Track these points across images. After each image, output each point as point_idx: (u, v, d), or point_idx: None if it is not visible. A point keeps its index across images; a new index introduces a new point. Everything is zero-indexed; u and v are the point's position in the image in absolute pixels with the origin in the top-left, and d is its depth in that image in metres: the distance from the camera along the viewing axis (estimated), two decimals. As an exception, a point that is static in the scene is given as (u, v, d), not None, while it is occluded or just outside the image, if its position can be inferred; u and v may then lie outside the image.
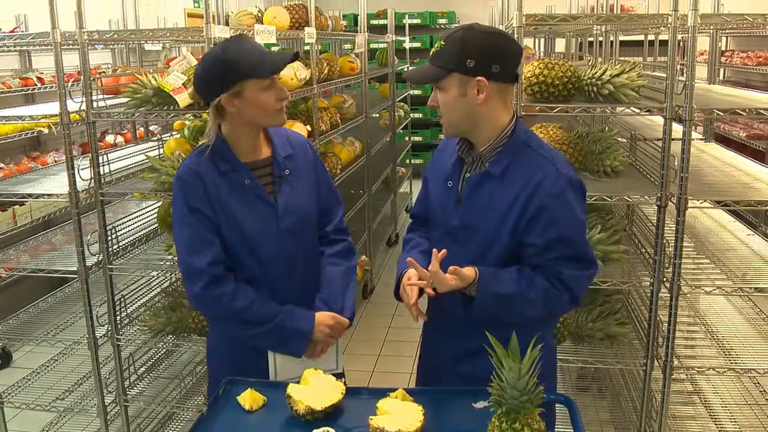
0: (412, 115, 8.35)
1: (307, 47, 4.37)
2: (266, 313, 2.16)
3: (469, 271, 1.90)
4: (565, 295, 1.96)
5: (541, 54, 6.53)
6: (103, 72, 5.26)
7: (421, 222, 2.27)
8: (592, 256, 2.02)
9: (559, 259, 1.95)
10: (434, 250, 1.91)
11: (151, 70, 3.38)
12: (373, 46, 7.63)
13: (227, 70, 2.06)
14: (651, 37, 6.05)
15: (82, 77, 3.03)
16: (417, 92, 9.34)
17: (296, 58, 2.23)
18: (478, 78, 1.87)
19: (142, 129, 5.12)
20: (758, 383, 3.34)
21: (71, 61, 3.41)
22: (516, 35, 2.72)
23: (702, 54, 6.92)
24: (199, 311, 2.92)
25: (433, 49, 1.94)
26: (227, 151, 2.18)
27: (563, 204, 1.92)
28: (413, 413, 1.79)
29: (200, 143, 2.31)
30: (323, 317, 2.22)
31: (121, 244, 3.32)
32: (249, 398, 1.92)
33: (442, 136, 2.18)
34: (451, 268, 1.88)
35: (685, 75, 2.60)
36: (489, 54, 1.87)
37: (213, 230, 2.15)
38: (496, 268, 1.96)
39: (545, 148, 2.02)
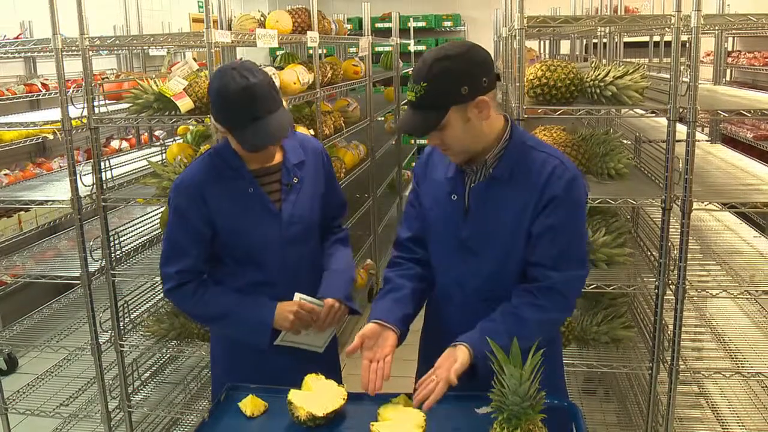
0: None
1: (310, 51, 4.37)
2: (223, 307, 2.20)
3: (464, 356, 1.83)
4: (555, 312, 1.95)
5: (546, 56, 6.51)
6: (106, 78, 5.28)
7: (412, 246, 2.15)
8: (585, 255, 1.99)
9: (553, 256, 1.90)
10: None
11: (154, 76, 3.38)
12: (378, 49, 7.63)
13: (217, 110, 2.08)
14: (656, 38, 6.03)
15: (83, 83, 3.03)
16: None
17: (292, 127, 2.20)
18: (479, 99, 1.81)
19: (146, 134, 5.13)
20: (766, 387, 3.30)
21: (76, 67, 3.42)
22: (518, 37, 2.71)
23: (708, 55, 6.89)
24: None
25: (414, 95, 1.83)
26: (234, 157, 2.18)
27: (568, 196, 1.89)
28: (415, 419, 1.78)
29: (206, 147, 2.31)
30: (285, 306, 2.18)
31: (124, 249, 3.31)
32: (250, 404, 1.92)
33: None
34: (453, 370, 1.79)
35: (688, 76, 2.58)
36: (474, 72, 1.80)
37: (194, 239, 2.18)
38: (481, 327, 1.89)
39: (544, 146, 1.99)
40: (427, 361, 2.15)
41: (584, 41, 6.38)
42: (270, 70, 3.46)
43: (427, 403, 1.76)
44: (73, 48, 3.01)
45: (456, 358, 1.82)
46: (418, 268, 2.13)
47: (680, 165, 2.65)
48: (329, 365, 2.35)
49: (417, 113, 1.86)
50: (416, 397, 1.79)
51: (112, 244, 3.20)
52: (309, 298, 2.20)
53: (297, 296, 2.18)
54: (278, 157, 2.25)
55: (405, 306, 2.05)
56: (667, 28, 3.66)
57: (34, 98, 5.02)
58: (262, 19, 3.96)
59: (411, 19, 9.30)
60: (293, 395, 1.86)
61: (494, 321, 1.91)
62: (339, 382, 2.01)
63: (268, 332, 2.18)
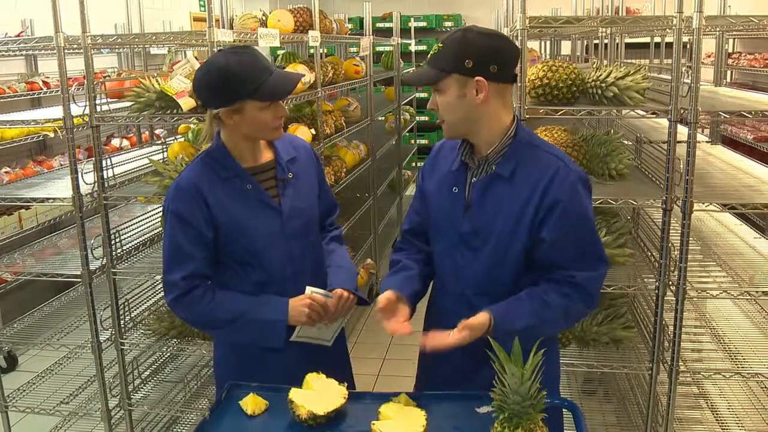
0: (417, 118, 8.34)
1: (311, 51, 4.37)
2: (234, 310, 2.16)
3: (483, 318, 1.87)
4: (581, 303, 1.97)
5: (547, 56, 6.51)
6: (108, 76, 5.28)
7: (411, 239, 2.23)
8: (604, 252, 2.01)
9: (571, 259, 1.93)
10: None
11: (155, 74, 3.38)
12: (379, 49, 7.63)
13: (229, 87, 2.04)
14: (657, 39, 6.03)
15: (85, 81, 3.03)
16: (423, 95, 9.32)
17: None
18: (477, 78, 1.86)
19: (147, 132, 5.13)
20: (765, 387, 3.30)
21: (77, 65, 3.42)
22: (519, 38, 2.71)
23: (709, 56, 6.89)
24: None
25: (431, 52, 1.93)
26: (227, 157, 2.17)
27: (575, 200, 1.91)
28: (416, 418, 1.78)
29: (206, 145, 2.30)
30: (298, 301, 2.17)
31: (125, 247, 3.31)
32: (251, 403, 1.92)
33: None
34: (462, 323, 1.86)
35: (690, 77, 2.58)
36: (487, 54, 1.86)
37: (198, 243, 2.14)
38: (508, 301, 1.94)
39: (549, 146, 2.01)
40: (426, 355, 2.18)
41: (585, 42, 6.38)
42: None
43: (431, 343, 1.87)
44: (75, 46, 3.01)
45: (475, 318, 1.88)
46: (420, 256, 2.21)
47: (681, 166, 2.65)
48: (340, 361, 2.37)
49: (425, 68, 1.96)
50: (423, 339, 1.91)
51: (112, 242, 3.20)
52: (320, 291, 2.21)
53: (308, 290, 2.19)
54: (270, 155, 2.25)
55: (415, 283, 2.12)
56: (668, 30, 3.66)
57: (35, 96, 5.02)
58: (264, 18, 3.97)
59: (412, 19, 9.30)
60: (294, 394, 1.86)
61: (521, 300, 1.95)
62: (350, 375, 2.01)
63: (284, 330, 2.16)
